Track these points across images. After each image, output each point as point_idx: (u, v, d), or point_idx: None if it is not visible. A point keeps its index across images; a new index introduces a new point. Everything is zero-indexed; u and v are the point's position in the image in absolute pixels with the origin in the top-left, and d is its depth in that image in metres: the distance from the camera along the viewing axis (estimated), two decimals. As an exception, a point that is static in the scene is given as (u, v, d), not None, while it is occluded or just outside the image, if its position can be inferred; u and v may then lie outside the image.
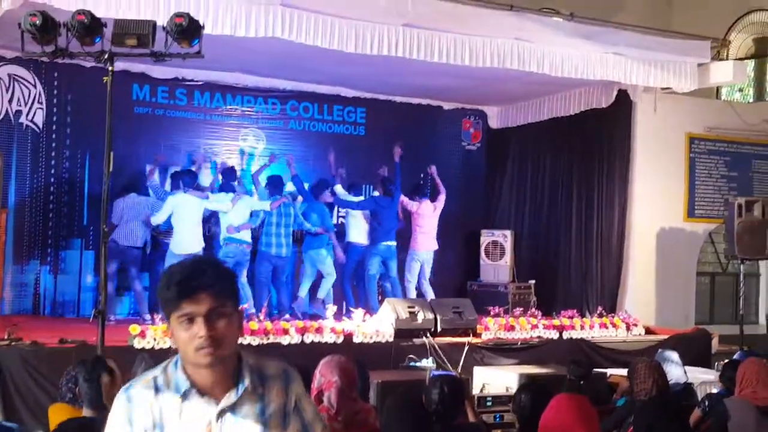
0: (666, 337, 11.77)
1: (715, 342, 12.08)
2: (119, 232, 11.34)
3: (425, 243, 13.14)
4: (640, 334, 11.98)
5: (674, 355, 8.55)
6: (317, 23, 10.09)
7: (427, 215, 13.21)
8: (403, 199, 13.06)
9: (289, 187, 12.66)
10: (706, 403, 6.84)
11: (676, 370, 8.30)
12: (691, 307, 14.12)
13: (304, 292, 12.30)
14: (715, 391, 7.86)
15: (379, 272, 12.80)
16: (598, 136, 13.89)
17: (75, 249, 12.36)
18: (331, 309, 10.37)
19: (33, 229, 12.14)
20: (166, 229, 11.77)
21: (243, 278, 11.73)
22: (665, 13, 17.89)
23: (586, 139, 14.08)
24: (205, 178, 12.65)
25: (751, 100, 18.42)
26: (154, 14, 8.65)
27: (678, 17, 17.48)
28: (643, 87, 12.97)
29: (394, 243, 12.83)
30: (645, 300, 13.49)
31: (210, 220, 12.08)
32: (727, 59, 13.26)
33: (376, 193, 13.19)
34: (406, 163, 13.59)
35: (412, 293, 12.85)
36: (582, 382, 7.89)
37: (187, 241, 11.37)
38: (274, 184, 12.14)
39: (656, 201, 13.81)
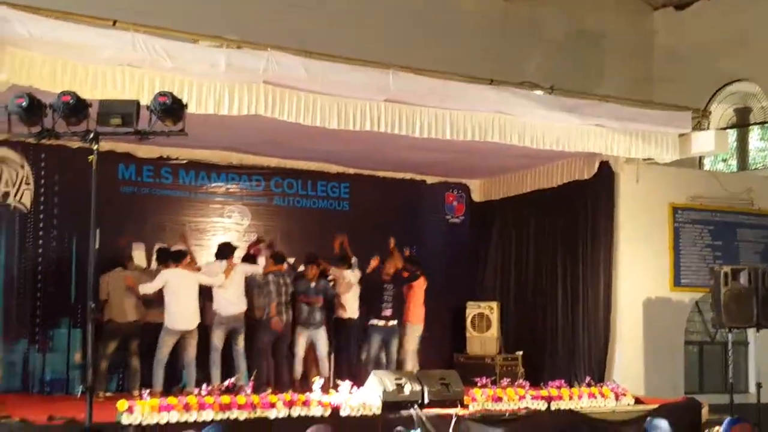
0: (655, 406, 11.64)
1: (705, 411, 12.01)
2: (112, 311, 11.40)
3: None
4: (629, 404, 11.87)
5: (663, 423, 8.54)
6: (299, 100, 10.27)
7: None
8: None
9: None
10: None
11: (666, 438, 8.28)
12: (680, 376, 14.09)
13: None
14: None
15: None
16: (581, 207, 13.98)
17: (63, 327, 12.32)
18: (318, 381, 10.34)
19: (21, 307, 12.13)
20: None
21: (240, 346, 11.84)
22: (646, 85, 18.24)
23: (570, 209, 14.17)
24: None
25: (734, 170, 18.63)
26: (138, 94, 8.80)
27: (658, 89, 17.79)
28: (625, 158, 13.11)
29: None
30: (633, 370, 13.46)
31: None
32: (708, 129, 13.44)
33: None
34: (391, 237, 13.71)
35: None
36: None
37: (182, 317, 11.42)
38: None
39: (642, 270, 13.84)
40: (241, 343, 11.95)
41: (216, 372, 11.62)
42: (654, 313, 13.84)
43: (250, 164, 13.86)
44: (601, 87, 14.83)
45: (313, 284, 12.48)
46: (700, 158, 17.97)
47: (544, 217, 14.67)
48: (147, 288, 11.47)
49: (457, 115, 11.29)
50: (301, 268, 12.86)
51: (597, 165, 13.35)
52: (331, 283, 12.83)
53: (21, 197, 12.23)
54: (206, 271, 12.00)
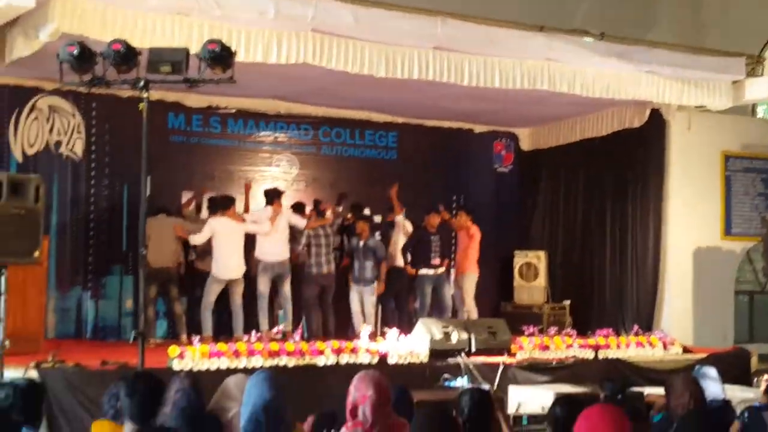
0: (704, 355, 11.65)
1: (754, 361, 11.97)
2: (150, 255, 11.42)
3: None
4: (677, 353, 11.87)
5: (712, 371, 8.41)
6: (347, 48, 10.21)
7: None
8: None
9: None
10: (746, 415, 6.77)
11: (714, 387, 8.14)
12: (730, 326, 14.03)
13: None
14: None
15: None
16: (631, 156, 13.89)
17: (115, 274, 12.53)
18: (366, 329, 10.41)
19: (74, 255, 12.34)
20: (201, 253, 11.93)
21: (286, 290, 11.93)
22: (698, 31, 17.89)
23: (619, 158, 14.09)
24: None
25: (788, 117, 18.35)
26: (188, 42, 8.81)
27: (711, 35, 17.45)
28: (677, 105, 12.97)
29: None
30: (682, 319, 13.43)
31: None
32: (762, 76, 13.22)
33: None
34: (439, 187, 13.67)
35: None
36: (620, 397, 7.89)
37: (228, 266, 11.52)
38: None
39: (692, 220, 13.77)
40: (287, 287, 12.02)
41: (264, 319, 11.72)
42: (704, 263, 13.78)
43: (298, 113, 13.87)
44: (652, 33, 14.62)
45: (362, 242, 12.44)
46: (753, 106, 17.67)
47: (594, 165, 14.58)
48: (196, 239, 11.58)
49: (506, 62, 11.18)
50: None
51: (648, 113, 13.23)
52: (379, 238, 12.82)
53: (73, 146, 12.37)
54: (252, 219, 12.04)
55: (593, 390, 9.40)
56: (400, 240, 13.01)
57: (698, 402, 6.65)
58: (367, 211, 13.31)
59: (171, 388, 5.64)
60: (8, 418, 3.53)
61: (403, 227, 13.02)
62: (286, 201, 12.66)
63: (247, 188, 12.97)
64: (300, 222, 12.26)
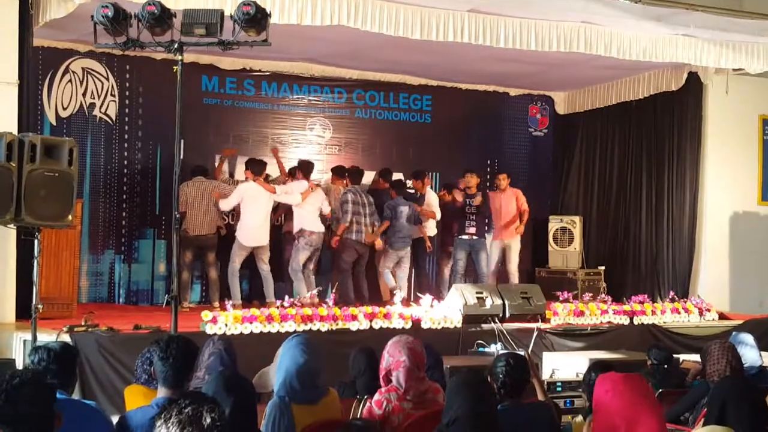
0: (741, 322, 11.59)
1: (792, 327, 11.86)
2: (189, 222, 11.40)
3: None
4: (713, 320, 11.80)
5: (749, 338, 8.36)
6: (382, 11, 10.10)
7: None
8: None
9: None
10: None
11: (751, 353, 8.11)
12: (767, 292, 13.90)
13: None
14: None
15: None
16: (667, 120, 13.75)
17: (148, 238, 12.58)
18: (399, 295, 10.39)
19: (107, 218, 12.40)
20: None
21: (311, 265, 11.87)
22: (736, -6, 17.60)
23: (655, 122, 13.94)
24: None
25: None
26: (222, 4, 8.75)
27: (750, -3, 17.18)
28: (715, 69, 12.78)
29: None
30: (718, 285, 13.34)
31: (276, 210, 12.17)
32: (802, 39, 13.00)
33: None
34: (473, 151, 13.55)
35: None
36: (666, 366, 7.85)
37: (254, 233, 11.45)
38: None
39: (729, 184, 13.65)
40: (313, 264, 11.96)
41: (303, 288, 11.49)
42: (741, 228, 13.67)
43: (331, 76, 13.80)
44: (690, -4, 14.34)
45: (401, 208, 12.36)
46: (793, 69, 17.41)
47: (629, 129, 14.45)
48: (224, 205, 11.51)
49: (542, 25, 11.04)
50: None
51: (685, 76, 13.05)
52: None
53: (106, 109, 12.38)
54: (285, 189, 11.97)
55: (629, 356, 9.39)
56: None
57: (735, 369, 6.61)
58: (398, 176, 13.22)
59: (204, 352, 5.66)
60: (42, 381, 3.51)
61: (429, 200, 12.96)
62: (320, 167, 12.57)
63: (275, 153, 12.90)
64: (326, 208, 12.02)
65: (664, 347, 8.44)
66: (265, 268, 11.58)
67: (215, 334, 8.38)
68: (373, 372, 5.87)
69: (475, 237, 12.70)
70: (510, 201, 13.32)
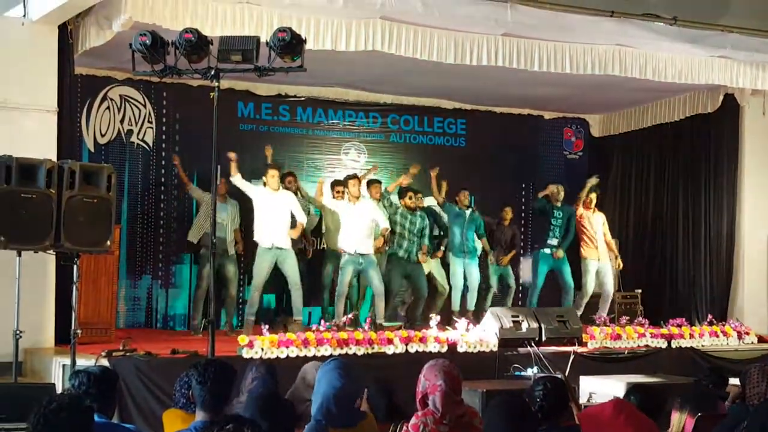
0: (781, 345, 11.50)
1: (832, 350, 11.72)
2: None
3: None
4: (752, 343, 11.70)
5: (789, 361, 8.28)
6: (416, 35, 10.18)
7: None
8: None
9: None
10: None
11: (790, 377, 8.03)
12: (806, 315, 13.74)
13: None
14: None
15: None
16: (704, 142, 13.71)
17: (185, 263, 12.65)
18: (435, 319, 10.37)
19: (144, 244, 12.50)
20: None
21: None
22: (772, 15, 17.49)
23: (691, 144, 13.91)
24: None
25: None
26: (258, 31, 8.84)
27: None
28: (751, 90, 12.74)
29: None
30: (757, 308, 13.19)
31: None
32: (839, 58, 12.90)
33: None
34: (507, 174, 13.52)
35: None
36: (712, 386, 7.78)
37: (272, 234, 10.90)
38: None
39: (767, 206, 13.50)
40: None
41: (341, 309, 11.29)
42: (780, 250, 13.50)
43: (366, 101, 13.89)
44: (725, 18, 14.27)
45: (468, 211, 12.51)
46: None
47: (665, 151, 14.39)
48: (237, 181, 11.12)
49: (577, 48, 11.06)
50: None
51: (721, 98, 13.02)
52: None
53: (144, 135, 12.51)
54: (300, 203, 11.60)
55: (667, 380, 9.32)
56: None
57: (774, 392, 6.54)
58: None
59: (247, 377, 5.69)
60: (79, 405, 3.54)
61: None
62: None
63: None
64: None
65: (722, 371, 8.34)
66: (293, 277, 11.03)
67: (260, 358, 8.41)
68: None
69: (559, 254, 12.84)
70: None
